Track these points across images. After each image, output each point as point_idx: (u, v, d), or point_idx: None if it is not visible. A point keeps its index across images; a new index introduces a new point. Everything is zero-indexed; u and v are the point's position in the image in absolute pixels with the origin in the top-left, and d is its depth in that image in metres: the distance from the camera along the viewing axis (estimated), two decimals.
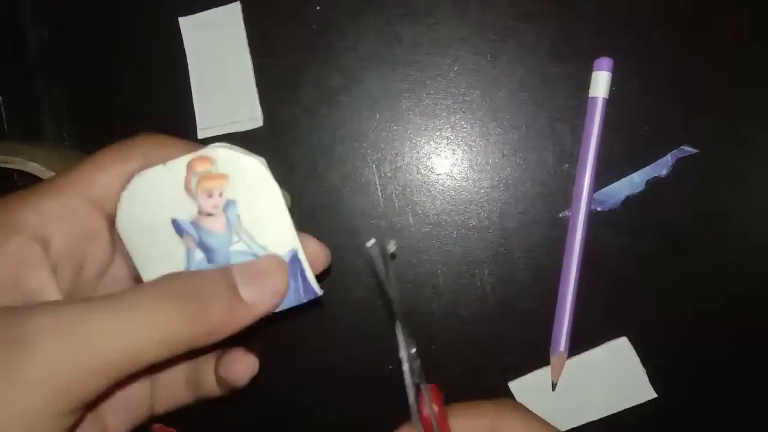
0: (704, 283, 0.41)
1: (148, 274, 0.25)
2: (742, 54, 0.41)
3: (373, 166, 0.42)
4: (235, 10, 0.41)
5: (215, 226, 0.25)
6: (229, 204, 0.25)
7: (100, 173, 0.24)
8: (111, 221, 0.24)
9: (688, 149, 0.40)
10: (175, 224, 0.25)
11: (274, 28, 0.42)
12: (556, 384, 0.41)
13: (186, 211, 0.24)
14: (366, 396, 0.42)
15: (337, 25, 0.41)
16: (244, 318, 0.23)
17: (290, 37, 0.42)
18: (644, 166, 0.41)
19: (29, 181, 0.37)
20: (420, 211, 0.42)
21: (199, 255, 0.25)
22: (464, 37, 0.41)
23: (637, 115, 0.41)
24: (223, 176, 0.25)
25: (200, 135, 0.42)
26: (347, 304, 0.42)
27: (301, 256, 0.26)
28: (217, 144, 0.25)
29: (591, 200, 0.40)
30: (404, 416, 0.27)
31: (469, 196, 0.42)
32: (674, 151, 0.41)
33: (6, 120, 0.42)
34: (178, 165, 0.24)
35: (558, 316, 0.41)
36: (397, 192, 0.42)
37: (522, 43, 0.41)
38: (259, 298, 0.24)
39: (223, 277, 0.23)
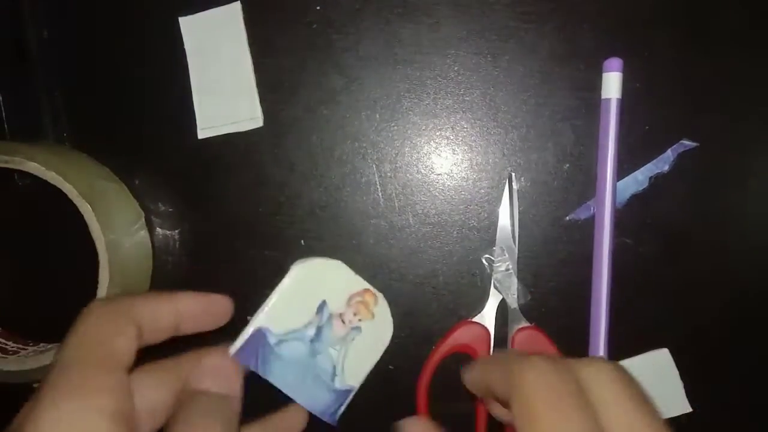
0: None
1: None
2: (743, 54, 0.41)
3: (374, 165, 0.42)
4: (235, 10, 0.41)
5: (338, 328, 0.31)
6: (356, 327, 0.32)
7: (103, 376, 0.23)
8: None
9: (687, 143, 0.40)
10: (323, 303, 0.31)
11: (274, 28, 0.42)
12: None
13: (334, 306, 0.31)
14: (366, 396, 0.42)
15: (337, 25, 0.41)
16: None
17: (290, 37, 0.42)
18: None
19: (29, 180, 0.37)
20: (420, 211, 0.42)
21: (311, 332, 0.30)
22: (464, 37, 0.41)
23: (637, 115, 0.41)
24: (371, 314, 0.32)
25: (200, 135, 0.42)
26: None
27: (352, 394, 0.32)
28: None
29: (615, 204, 0.41)
30: (405, 415, 0.27)
31: (469, 196, 0.42)
32: (674, 145, 0.41)
33: (6, 120, 0.42)
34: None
35: (593, 322, 0.41)
36: (398, 192, 0.42)
37: (522, 43, 0.41)
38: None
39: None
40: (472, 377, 0.26)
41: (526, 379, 0.21)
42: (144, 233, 0.42)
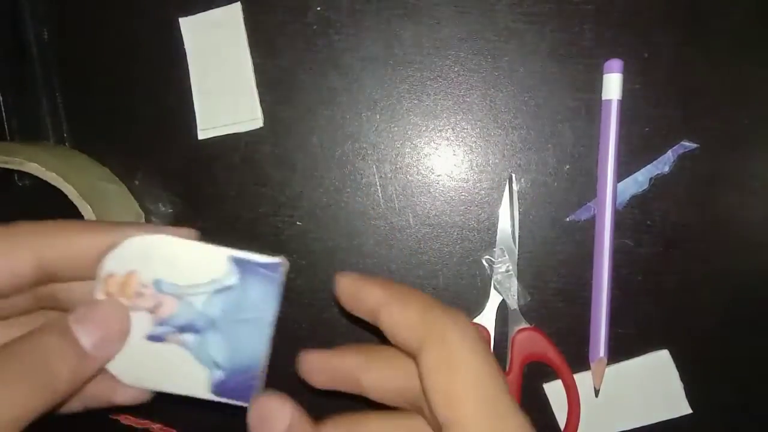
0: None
1: None
2: (742, 54, 0.41)
3: (374, 166, 0.42)
4: (235, 11, 0.41)
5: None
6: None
7: None
8: None
9: (688, 144, 0.40)
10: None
11: (274, 28, 0.42)
12: (599, 390, 0.41)
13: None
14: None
15: (337, 26, 0.41)
16: (92, 370, 0.23)
17: (290, 37, 0.42)
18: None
19: (29, 181, 0.37)
20: (420, 212, 0.42)
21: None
22: (465, 38, 0.41)
23: (638, 115, 0.41)
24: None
25: (200, 135, 0.42)
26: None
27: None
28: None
29: (615, 205, 0.41)
30: None
31: (470, 197, 0.42)
32: (675, 146, 0.41)
33: (6, 120, 0.42)
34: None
35: (594, 322, 0.41)
36: (398, 193, 0.42)
37: (523, 43, 0.41)
38: (102, 350, 0.23)
39: (63, 334, 0.22)
40: (362, 296, 0.24)
41: (451, 332, 0.22)
42: None
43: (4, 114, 0.42)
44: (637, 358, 0.41)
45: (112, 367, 0.25)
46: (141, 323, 0.25)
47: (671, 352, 0.41)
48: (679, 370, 0.41)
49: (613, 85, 0.40)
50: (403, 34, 0.41)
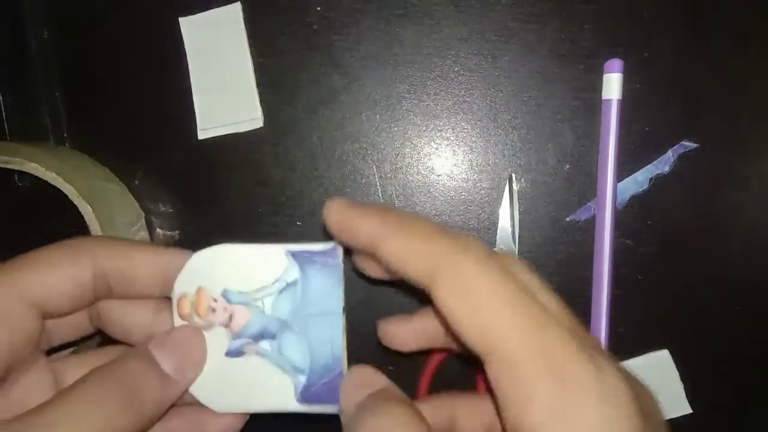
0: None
1: None
2: (743, 54, 0.41)
3: (374, 166, 0.42)
4: (235, 11, 0.41)
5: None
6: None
7: (48, 275, 0.23)
8: (44, 317, 0.23)
9: (688, 144, 0.40)
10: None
11: (274, 28, 0.42)
12: None
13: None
14: None
15: (337, 25, 0.41)
16: (176, 394, 0.23)
17: (290, 37, 0.42)
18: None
19: (29, 181, 0.37)
20: (420, 212, 0.42)
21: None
22: (465, 38, 0.41)
23: (638, 116, 0.41)
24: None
25: (200, 135, 0.42)
26: (347, 305, 0.42)
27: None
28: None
29: (615, 205, 0.41)
30: None
31: (470, 197, 0.42)
32: (675, 146, 0.41)
33: (6, 120, 0.42)
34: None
35: (594, 321, 0.41)
36: (398, 192, 0.42)
37: (523, 43, 0.41)
38: (182, 374, 0.24)
39: (145, 359, 0.23)
40: (356, 227, 0.22)
41: (464, 259, 0.19)
42: (144, 234, 0.42)
43: (4, 114, 0.42)
44: (637, 358, 0.41)
45: (200, 395, 0.25)
46: (218, 340, 0.25)
47: (671, 352, 0.41)
48: (679, 370, 0.41)
49: (613, 84, 0.40)
50: (403, 34, 0.41)
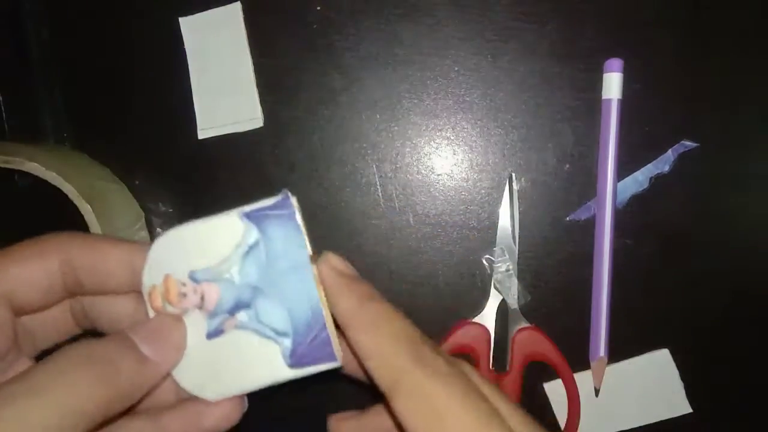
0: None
1: None
2: (743, 54, 0.41)
3: (374, 166, 0.42)
4: (235, 11, 0.41)
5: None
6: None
7: (15, 267, 0.23)
8: (17, 313, 0.24)
9: (688, 143, 0.40)
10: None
11: (274, 28, 0.42)
12: (599, 390, 0.41)
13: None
14: (367, 396, 0.42)
15: (337, 25, 0.41)
16: (154, 375, 0.23)
17: (290, 37, 0.42)
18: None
19: (29, 181, 0.37)
20: (420, 212, 0.42)
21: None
22: (465, 38, 0.41)
23: (638, 115, 0.41)
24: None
25: (200, 135, 0.42)
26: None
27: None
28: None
29: (615, 205, 0.41)
30: None
31: (470, 197, 0.42)
32: (675, 146, 0.41)
33: (6, 120, 0.42)
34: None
35: (594, 321, 0.41)
36: (398, 192, 0.42)
37: (523, 43, 0.41)
38: (161, 356, 0.23)
39: (122, 339, 0.22)
40: (334, 300, 0.23)
41: (431, 382, 0.20)
42: (144, 234, 0.42)
43: (4, 114, 0.42)
44: (637, 357, 0.41)
45: (189, 385, 0.24)
46: (196, 324, 0.24)
47: (671, 352, 0.41)
48: (679, 370, 0.41)
49: (613, 84, 0.40)
50: (403, 34, 0.41)
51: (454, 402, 0.20)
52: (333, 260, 0.24)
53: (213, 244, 0.25)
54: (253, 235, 0.25)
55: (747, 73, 0.41)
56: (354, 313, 0.22)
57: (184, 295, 0.25)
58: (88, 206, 0.36)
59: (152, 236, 0.43)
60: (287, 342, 0.24)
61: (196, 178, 0.43)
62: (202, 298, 0.25)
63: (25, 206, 0.42)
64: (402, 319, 0.22)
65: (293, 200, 0.24)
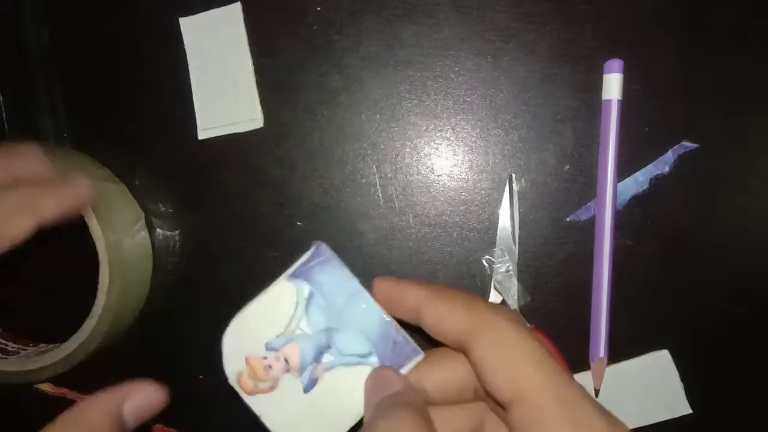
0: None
1: None
2: (743, 54, 0.41)
3: (374, 166, 0.42)
4: (235, 11, 0.41)
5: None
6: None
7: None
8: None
9: (688, 144, 0.40)
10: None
11: (274, 28, 0.42)
12: (599, 390, 0.41)
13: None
14: None
15: (337, 25, 0.41)
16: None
17: (290, 37, 0.42)
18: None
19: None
20: (420, 212, 0.42)
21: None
22: (465, 38, 0.41)
23: (638, 116, 0.41)
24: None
25: (200, 135, 0.42)
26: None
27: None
28: None
29: (615, 205, 0.41)
30: None
31: (470, 197, 0.42)
32: (675, 147, 0.41)
33: (6, 120, 0.42)
34: None
35: (594, 322, 0.41)
36: (398, 193, 0.42)
37: (523, 44, 0.41)
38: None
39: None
40: (403, 297, 0.25)
41: (501, 319, 0.22)
42: (144, 234, 0.42)
43: (4, 114, 0.42)
44: (637, 358, 0.41)
45: None
46: (292, 385, 0.27)
47: (671, 352, 0.41)
48: (679, 370, 0.41)
49: (613, 85, 0.40)
50: (403, 34, 0.41)
51: (519, 341, 0.22)
52: (379, 280, 0.26)
53: (275, 313, 0.28)
54: (306, 289, 0.28)
55: (747, 73, 0.41)
56: (425, 296, 0.24)
57: (270, 366, 0.28)
58: (89, 207, 0.36)
59: (152, 236, 0.43)
60: (374, 359, 0.27)
61: (196, 178, 0.43)
62: (286, 362, 0.28)
63: None
64: (465, 291, 0.25)
65: (325, 246, 0.27)
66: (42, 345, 0.41)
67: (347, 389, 0.26)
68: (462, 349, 0.23)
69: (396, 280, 0.26)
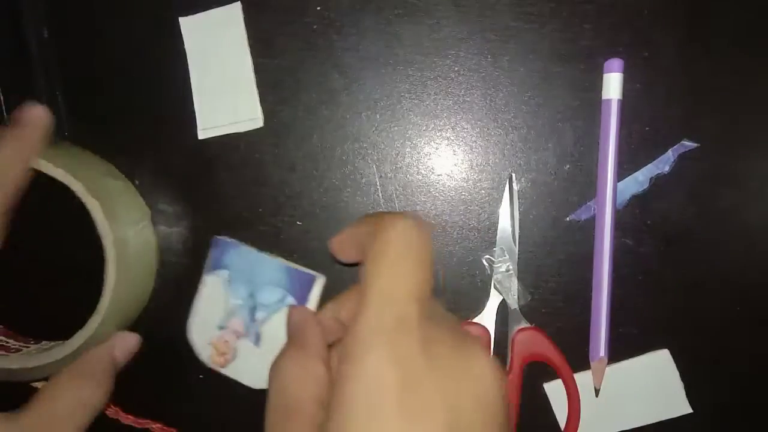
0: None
1: None
2: (743, 54, 0.41)
3: (374, 166, 0.42)
4: (235, 10, 0.41)
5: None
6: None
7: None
8: None
9: (688, 144, 0.40)
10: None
11: (274, 28, 0.42)
12: (599, 390, 0.41)
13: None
14: None
15: (337, 25, 0.41)
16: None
17: (290, 37, 0.42)
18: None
19: (31, 177, 0.37)
20: (420, 212, 0.42)
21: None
22: (465, 38, 0.41)
23: (638, 115, 0.41)
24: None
25: (200, 135, 0.42)
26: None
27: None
28: None
29: (615, 205, 0.41)
30: None
31: (470, 197, 0.42)
32: (675, 146, 0.41)
33: (7, 120, 0.42)
34: None
35: (594, 322, 0.41)
36: (398, 192, 0.42)
37: (523, 43, 0.41)
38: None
39: None
40: (343, 237, 0.27)
41: (389, 232, 0.24)
42: (149, 231, 0.42)
43: (4, 113, 0.42)
44: (637, 358, 0.41)
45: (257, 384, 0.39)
46: (246, 345, 0.38)
47: (671, 352, 0.41)
48: (679, 370, 0.41)
49: (613, 84, 0.40)
50: (403, 34, 0.41)
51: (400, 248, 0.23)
52: (331, 239, 0.28)
53: (213, 301, 0.39)
54: (224, 273, 0.39)
55: (747, 73, 0.41)
56: (368, 226, 0.26)
57: (227, 341, 0.38)
58: (96, 203, 0.36)
59: (157, 234, 0.43)
60: (289, 299, 0.37)
61: (196, 178, 0.43)
62: (236, 332, 0.38)
63: (27, 202, 0.42)
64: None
65: (221, 238, 0.40)
66: (44, 342, 0.41)
67: (282, 330, 0.30)
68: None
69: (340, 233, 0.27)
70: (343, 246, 0.27)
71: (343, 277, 0.41)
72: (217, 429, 0.44)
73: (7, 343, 0.40)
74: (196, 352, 0.40)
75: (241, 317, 0.38)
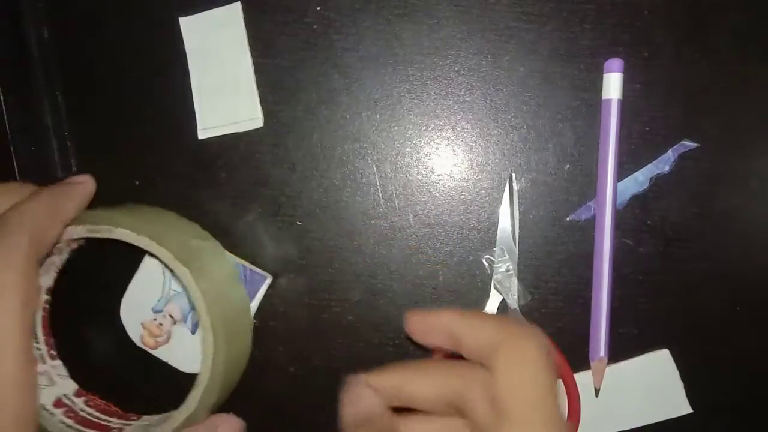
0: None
1: None
2: (743, 54, 0.41)
3: (374, 166, 0.42)
4: (235, 10, 0.41)
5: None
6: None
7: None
8: None
9: (688, 144, 0.40)
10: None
11: (274, 28, 0.42)
12: (599, 390, 0.41)
13: None
14: None
15: (337, 25, 0.41)
16: None
17: (290, 37, 0.42)
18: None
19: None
20: (420, 212, 0.42)
21: None
22: (465, 37, 0.41)
23: (638, 115, 0.41)
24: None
25: (200, 135, 0.42)
26: (347, 304, 0.42)
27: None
28: None
29: (615, 205, 0.41)
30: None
31: (470, 197, 0.42)
32: (675, 146, 0.41)
33: (7, 120, 0.42)
34: None
35: (594, 322, 0.41)
36: (398, 192, 0.42)
37: (523, 43, 0.41)
38: None
39: None
40: (430, 321, 0.27)
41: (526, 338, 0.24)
42: (241, 288, 0.40)
43: (5, 113, 0.42)
44: (637, 357, 0.41)
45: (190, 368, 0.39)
46: (182, 332, 0.38)
47: (671, 352, 0.41)
48: (679, 370, 0.41)
49: (613, 84, 0.40)
50: (403, 34, 0.41)
51: (538, 360, 0.24)
52: (411, 313, 0.28)
53: (151, 284, 0.39)
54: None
55: (747, 73, 0.41)
56: (459, 319, 0.26)
57: (160, 324, 0.38)
58: (186, 269, 0.34)
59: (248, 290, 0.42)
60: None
61: (196, 178, 0.43)
62: (172, 317, 0.38)
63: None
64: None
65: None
66: (145, 417, 0.39)
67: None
68: (484, 361, 0.25)
69: (428, 311, 0.27)
70: (428, 329, 0.27)
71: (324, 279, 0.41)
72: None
73: (109, 422, 0.38)
74: (126, 331, 0.40)
75: (179, 304, 0.39)
